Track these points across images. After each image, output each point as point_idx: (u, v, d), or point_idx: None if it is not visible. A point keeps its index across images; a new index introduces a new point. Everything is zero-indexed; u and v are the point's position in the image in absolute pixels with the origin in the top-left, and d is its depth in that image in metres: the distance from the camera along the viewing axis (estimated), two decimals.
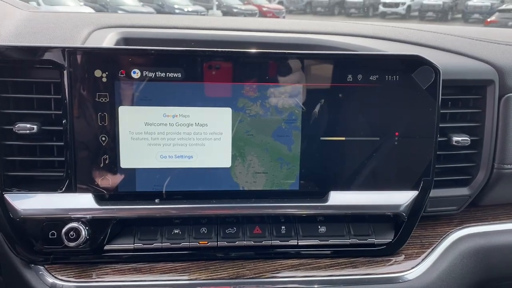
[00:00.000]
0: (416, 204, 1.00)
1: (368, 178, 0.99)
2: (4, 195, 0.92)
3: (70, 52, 0.89)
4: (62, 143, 0.92)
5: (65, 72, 0.89)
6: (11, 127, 0.92)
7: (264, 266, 0.99)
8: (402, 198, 1.00)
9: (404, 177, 1.00)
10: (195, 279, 0.94)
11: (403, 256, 1.03)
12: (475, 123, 1.10)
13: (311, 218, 1.02)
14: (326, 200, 0.98)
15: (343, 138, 0.97)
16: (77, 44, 1.09)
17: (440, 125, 0.99)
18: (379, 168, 0.98)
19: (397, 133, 0.98)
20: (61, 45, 0.90)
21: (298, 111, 0.95)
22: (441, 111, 0.99)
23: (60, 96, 0.91)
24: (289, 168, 0.97)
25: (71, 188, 0.93)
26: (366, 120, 0.97)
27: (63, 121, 0.91)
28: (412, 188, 1.00)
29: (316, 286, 0.96)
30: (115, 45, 1.14)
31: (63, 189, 0.93)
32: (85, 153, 0.92)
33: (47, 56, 0.89)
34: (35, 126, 0.92)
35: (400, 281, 0.98)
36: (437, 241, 1.07)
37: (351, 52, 1.10)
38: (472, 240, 1.10)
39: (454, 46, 1.22)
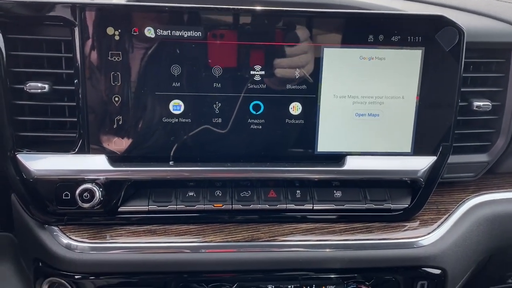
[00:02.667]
0: (434, 170, 0.98)
1: (387, 142, 0.96)
2: (17, 155, 0.91)
3: (80, 8, 0.86)
4: (74, 104, 0.90)
5: (76, 29, 0.86)
6: (22, 86, 0.89)
7: (278, 229, 0.98)
8: (420, 163, 0.98)
9: (422, 142, 0.97)
10: (210, 241, 0.94)
11: (418, 222, 1.02)
12: (497, 87, 1.07)
13: (326, 183, 1.00)
14: (343, 165, 0.96)
15: (361, 100, 0.94)
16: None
17: (461, 90, 0.96)
18: (398, 132, 0.96)
19: (417, 97, 0.95)
20: (71, 1, 0.86)
21: (317, 71, 0.92)
22: (463, 75, 0.96)
23: (71, 55, 0.88)
24: (305, 131, 0.94)
25: (84, 149, 0.91)
26: (386, 82, 0.94)
27: (75, 81, 0.88)
28: (431, 154, 0.98)
29: (331, 250, 0.95)
30: (128, 1, 1.10)
31: (76, 150, 0.91)
32: (97, 114, 0.90)
33: (56, 12, 0.86)
34: (46, 86, 0.89)
35: (416, 246, 0.97)
36: (453, 208, 1.06)
37: (377, 12, 1.05)
38: (489, 207, 1.08)
39: (478, 7, 1.17)
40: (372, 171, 0.97)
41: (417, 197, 1.00)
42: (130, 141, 0.92)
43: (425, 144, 0.98)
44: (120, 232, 0.95)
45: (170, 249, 0.93)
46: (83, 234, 0.94)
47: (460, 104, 0.99)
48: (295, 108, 0.94)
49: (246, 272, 0.95)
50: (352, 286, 0.97)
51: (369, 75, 0.93)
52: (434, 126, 0.97)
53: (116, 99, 0.90)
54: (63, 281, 0.93)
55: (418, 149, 0.98)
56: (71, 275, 0.92)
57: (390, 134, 0.97)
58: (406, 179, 0.99)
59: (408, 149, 0.98)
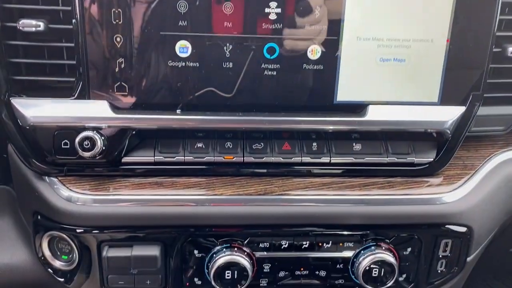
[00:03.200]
0: (462, 122, 0.91)
1: (412, 91, 0.89)
2: (11, 100, 0.84)
3: None
4: (72, 45, 0.82)
5: None
6: (15, 24, 0.81)
7: (293, 183, 0.92)
8: (448, 113, 0.90)
9: (451, 91, 0.89)
10: (220, 194, 0.88)
11: (443, 178, 0.96)
12: None
13: (345, 135, 0.93)
14: (364, 115, 0.89)
15: (386, 43, 0.86)
16: None
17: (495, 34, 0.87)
18: (425, 79, 0.88)
19: (447, 40, 0.86)
20: None
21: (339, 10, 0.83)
22: (498, 17, 0.87)
23: None
24: (324, 78, 0.86)
25: (84, 95, 0.84)
26: (414, 24, 0.85)
27: (73, 20, 0.80)
28: (459, 104, 0.90)
29: (349, 205, 0.89)
30: None
31: (75, 95, 0.84)
32: (98, 56, 0.82)
33: None
34: (41, 24, 0.81)
35: (440, 202, 0.91)
36: (480, 163, 0.99)
37: None
38: None
39: None
40: (396, 122, 0.90)
41: (443, 150, 0.93)
42: (133, 86, 0.84)
43: (453, 93, 0.90)
44: (124, 184, 0.89)
45: (178, 202, 0.87)
46: (85, 186, 0.88)
47: (493, 50, 0.90)
48: (314, 52, 0.85)
49: (258, 227, 0.89)
50: (371, 244, 0.91)
51: (396, 15, 0.84)
52: (464, 73, 0.89)
53: (118, 39, 0.82)
54: (63, 235, 0.87)
55: (445, 99, 0.90)
56: (72, 229, 0.87)
57: (416, 82, 0.88)
58: (432, 131, 0.91)
59: (435, 98, 0.90)
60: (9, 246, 0.97)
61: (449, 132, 0.91)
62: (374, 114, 0.89)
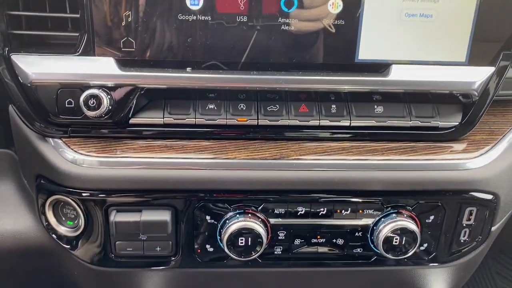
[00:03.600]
0: (491, 83, 0.85)
1: (439, 50, 0.83)
2: (11, 56, 0.79)
3: None
4: None
5: None
6: None
7: (310, 147, 0.87)
8: (476, 74, 0.84)
9: (480, 50, 0.83)
10: (234, 158, 0.83)
11: (468, 143, 0.90)
12: None
13: (366, 96, 0.87)
14: (387, 75, 0.83)
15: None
16: None
17: None
18: (453, 37, 0.82)
19: None
20: None
21: None
22: None
23: None
24: (345, 35, 0.81)
25: (89, 51, 0.79)
26: None
27: None
28: (488, 64, 0.84)
29: (369, 170, 0.84)
30: None
31: (79, 52, 0.79)
32: (103, 8, 0.76)
33: None
34: None
35: (466, 168, 0.86)
36: (508, 128, 0.93)
37: None
38: None
39: None
40: (420, 83, 0.84)
41: (468, 114, 0.88)
42: (140, 41, 0.79)
43: (482, 52, 0.84)
44: (131, 147, 0.84)
45: (188, 165, 0.82)
46: (90, 148, 0.83)
47: None
48: (335, 6, 0.79)
49: (273, 193, 0.84)
50: (392, 212, 0.86)
51: None
52: (495, 30, 0.83)
53: None
54: (68, 199, 0.83)
55: (474, 58, 0.84)
56: (78, 192, 0.82)
57: (443, 40, 0.82)
58: (458, 93, 0.86)
59: (462, 58, 0.84)
60: (12, 211, 0.93)
61: (476, 94, 0.85)
62: (397, 74, 0.83)
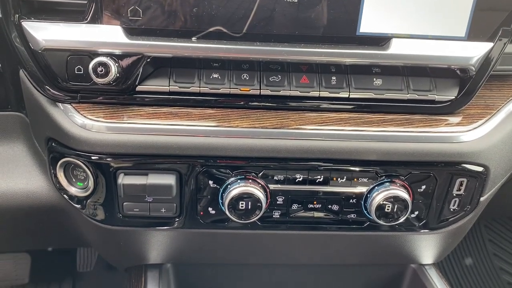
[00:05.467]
0: (488, 59, 0.87)
1: (439, 24, 0.84)
2: (22, 23, 0.81)
3: None
4: None
5: None
6: None
7: (310, 117, 0.90)
8: (474, 49, 0.86)
9: (479, 25, 0.85)
10: (236, 126, 0.86)
11: (463, 116, 0.93)
12: None
13: (366, 69, 0.90)
14: (387, 48, 0.85)
15: None
16: None
17: None
18: (454, 11, 0.83)
19: None
20: None
21: None
22: None
23: None
24: (347, 7, 0.82)
25: (97, 19, 0.81)
26: None
27: None
28: (487, 40, 0.86)
29: (366, 140, 0.88)
30: None
31: (88, 19, 0.81)
32: None
33: None
34: None
35: (458, 141, 0.89)
36: (502, 103, 0.96)
37: None
38: None
39: None
40: (419, 57, 0.86)
41: (465, 89, 0.90)
42: (147, 10, 0.80)
43: (482, 27, 0.85)
44: (138, 113, 0.87)
45: (193, 132, 0.86)
46: (99, 114, 0.87)
47: None
48: None
49: (273, 160, 0.88)
50: (385, 180, 0.91)
51: None
52: (494, 7, 0.84)
53: None
54: (78, 161, 0.87)
55: (473, 34, 0.85)
56: (87, 156, 0.86)
57: (443, 14, 0.84)
58: (456, 67, 0.88)
59: (462, 33, 0.86)
60: (24, 172, 0.97)
61: (473, 69, 0.87)
62: (397, 47, 0.85)
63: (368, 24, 0.84)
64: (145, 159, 0.87)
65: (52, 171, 0.91)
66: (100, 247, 1.11)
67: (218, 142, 0.86)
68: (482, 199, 0.96)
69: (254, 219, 0.89)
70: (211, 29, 0.82)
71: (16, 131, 0.99)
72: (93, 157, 0.87)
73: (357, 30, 0.84)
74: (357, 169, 0.90)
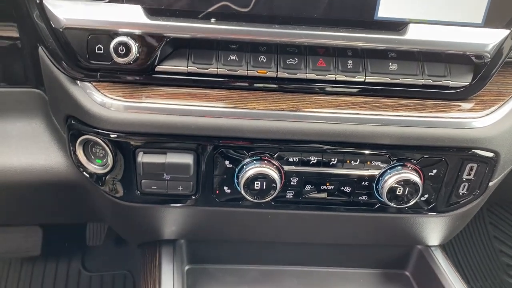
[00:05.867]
0: (504, 45, 0.87)
1: (456, 10, 0.85)
2: (43, 1, 0.82)
3: None
4: None
5: None
6: None
7: (325, 101, 0.91)
8: (490, 37, 0.86)
9: (497, 12, 0.85)
10: (253, 108, 0.88)
11: (475, 102, 0.94)
12: None
13: (382, 53, 0.90)
14: (404, 34, 0.85)
15: None
16: None
17: None
18: None
19: None
20: None
21: None
22: None
23: None
24: None
25: None
26: None
27: None
28: (503, 27, 0.86)
29: (380, 125, 0.89)
30: None
31: None
32: None
33: None
34: None
35: (470, 127, 0.91)
36: None
37: None
38: None
39: None
40: (435, 43, 0.87)
41: (479, 75, 0.91)
42: None
43: (499, 14, 0.85)
44: (157, 93, 0.89)
45: (210, 113, 0.87)
46: (118, 92, 0.88)
47: None
48: None
49: (288, 142, 0.90)
50: (398, 164, 0.92)
51: None
52: None
53: None
54: (98, 139, 0.89)
55: (490, 20, 0.86)
56: (106, 134, 0.88)
57: (461, 0, 0.84)
58: (471, 54, 0.89)
59: (479, 19, 0.86)
60: (43, 148, 0.99)
61: (489, 56, 0.88)
62: (414, 33, 0.85)
63: (386, 9, 0.84)
64: (164, 139, 0.88)
65: (72, 148, 0.93)
66: (116, 223, 1.14)
67: (235, 123, 0.88)
68: (491, 184, 0.98)
69: (268, 199, 0.91)
70: (230, 11, 0.83)
71: (35, 107, 1.00)
72: (112, 135, 0.88)
73: (375, 15, 0.85)
74: (370, 152, 0.92)
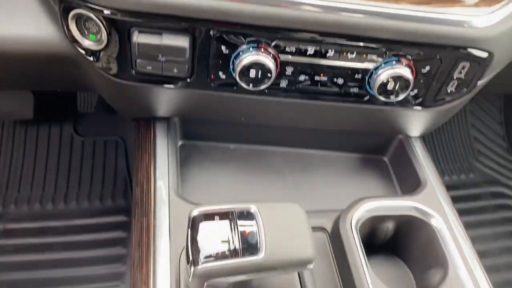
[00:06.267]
0: None
1: None
2: None
3: None
4: None
5: None
6: None
7: None
8: None
9: None
10: None
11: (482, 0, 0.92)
12: None
13: None
14: None
15: None
16: None
17: None
18: None
19: None
20: None
21: None
22: None
23: None
24: None
25: None
26: None
27: None
28: None
29: (382, 18, 0.87)
30: None
31: None
32: None
33: None
34: None
35: (473, 26, 0.90)
36: None
37: None
38: None
39: None
40: None
41: None
42: None
43: None
44: None
45: None
46: None
47: None
48: None
49: (287, 31, 0.88)
50: (393, 59, 0.93)
51: None
52: None
53: None
54: (91, 15, 0.86)
55: None
56: (100, 10, 0.85)
57: None
58: None
59: None
60: (34, 19, 0.94)
61: None
62: None
63: None
64: (160, 19, 0.85)
65: (64, 22, 0.89)
66: (110, 98, 1.15)
67: (233, 7, 0.84)
68: (479, 83, 1.00)
69: (263, 87, 0.92)
70: None
71: None
72: (105, 11, 0.85)
73: None
74: (366, 45, 0.91)
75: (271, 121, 1.10)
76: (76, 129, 1.97)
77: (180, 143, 1.16)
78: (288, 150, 1.22)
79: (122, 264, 1.71)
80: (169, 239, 0.89)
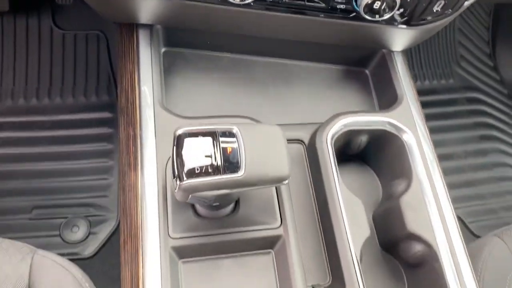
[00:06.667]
0: None
1: None
2: None
3: None
4: None
5: None
6: None
7: None
8: None
9: None
10: None
11: None
12: None
13: None
14: None
15: None
16: None
17: None
18: None
19: None
20: None
21: None
22: None
23: None
24: None
25: None
26: None
27: None
28: None
29: None
30: None
31: None
32: None
33: None
34: None
35: None
36: None
37: None
38: None
39: None
40: None
41: None
42: None
43: None
44: None
45: None
46: None
47: None
48: None
49: None
50: None
51: None
52: None
53: None
54: None
55: None
56: None
57: None
58: None
59: None
60: None
61: None
62: None
63: None
64: None
65: None
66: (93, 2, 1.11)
67: None
68: (466, 3, 0.99)
69: (249, 1, 0.90)
70: None
71: None
72: None
73: None
74: None
75: (256, 33, 1.09)
76: (55, 21, 1.90)
77: (163, 49, 1.16)
78: (272, 60, 1.22)
79: (109, 159, 1.78)
80: (155, 150, 0.93)
